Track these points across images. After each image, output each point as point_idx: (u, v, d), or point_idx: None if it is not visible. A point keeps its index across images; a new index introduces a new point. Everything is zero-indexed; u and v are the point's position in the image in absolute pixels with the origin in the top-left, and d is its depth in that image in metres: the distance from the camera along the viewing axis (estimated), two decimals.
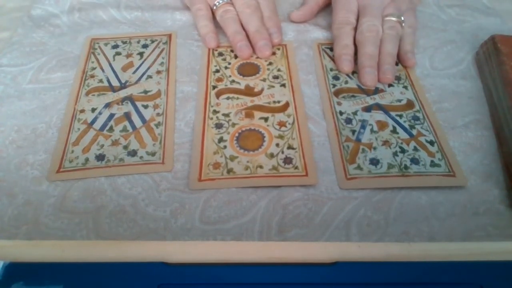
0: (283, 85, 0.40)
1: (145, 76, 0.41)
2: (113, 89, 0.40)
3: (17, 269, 0.29)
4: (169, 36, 0.46)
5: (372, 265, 0.29)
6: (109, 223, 0.31)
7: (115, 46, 0.44)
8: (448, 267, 0.29)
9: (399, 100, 0.39)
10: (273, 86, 0.40)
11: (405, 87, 0.40)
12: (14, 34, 0.46)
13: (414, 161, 0.34)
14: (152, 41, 0.45)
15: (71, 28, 0.46)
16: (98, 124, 0.37)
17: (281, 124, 0.37)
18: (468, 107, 0.39)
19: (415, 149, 0.35)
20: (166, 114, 0.38)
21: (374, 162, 0.34)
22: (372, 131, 0.36)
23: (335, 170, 0.34)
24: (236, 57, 0.43)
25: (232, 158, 0.34)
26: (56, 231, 0.30)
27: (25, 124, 0.37)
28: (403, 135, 0.36)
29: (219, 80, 0.41)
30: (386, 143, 0.36)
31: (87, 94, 0.39)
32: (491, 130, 0.37)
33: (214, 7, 0.44)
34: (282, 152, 0.35)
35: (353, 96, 0.40)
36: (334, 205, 0.32)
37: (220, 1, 0.44)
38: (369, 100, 0.39)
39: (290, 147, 0.35)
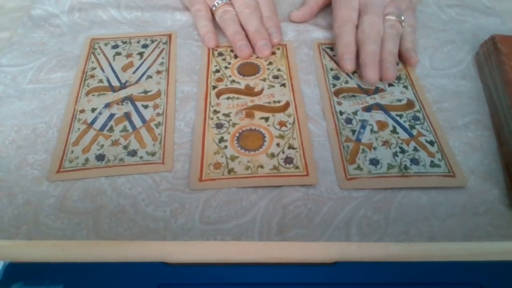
0: (283, 85, 0.40)
1: (145, 76, 0.41)
2: (113, 89, 0.40)
3: (17, 269, 0.29)
4: (169, 36, 0.46)
5: (372, 265, 0.29)
6: (109, 223, 0.31)
7: (115, 46, 0.44)
8: (448, 267, 0.29)
9: (399, 100, 0.39)
10: (273, 86, 0.40)
11: (405, 87, 0.40)
12: (14, 34, 0.46)
13: (414, 161, 0.34)
14: (152, 41, 0.45)
15: (71, 28, 0.46)
16: (98, 124, 0.37)
17: (282, 124, 0.37)
18: (468, 107, 0.39)
19: (415, 149, 0.35)
20: (166, 114, 0.38)
21: (374, 162, 0.34)
22: (372, 131, 0.36)
23: (335, 170, 0.34)
24: (236, 57, 0.43)
25: (233, 158, 0.34)
26: (56, 231, 0.30)
27: (25, 124, 0.37)
28: (403, 135, 0.36)
29: (219, 80, 0.41)
30: (386, 143, 0.36)
31: (87, 94, 0.39)
32: (491, 130, 0.37)
33: (214, 8, 0.44)
34: (283, 152, 0.35)
35: (353, 96, 0.40)
36: (334, 205, 0.32)
37: (220, 2, 0.44)
38: (369, 100, 0.39)
39: (290, 147, 0.35)
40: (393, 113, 0.38)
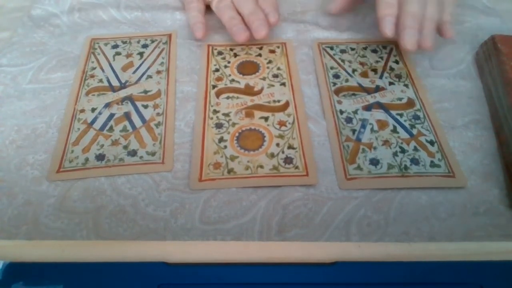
0: (283, 84, 0.40)
1: (145, 76, 0.41)
2: (113, 89, 0.40)
3: (17, 269, 0.29)
4: (169, 36, 0.46)
5: (372, 265, 0.29)
6: (109, 223, 0.31)
7: (115, 46, 0.44)
8: (448, 267, 0.29)
9: (400, 99, 0.39)
10: (273, 85, 0.40)
11: (406, 85, 0.40)
12: (14, 34, 0.46)
13: (414, 161, 0.34)
14: (152, 41, 0.45)
15: (71, 28, 0.46)
16: (98, 124, 0.37)
17: (281, 123, 0.37)
18: (468, 107, 0.39)
19: (415, 149, 0.35)
20: (166, 114, 0.38)
21: (374, 162, 0.34)
22: (372, 130, 0.36)
23: (335, 170, 0.34)
24: (235, 55, 0.43)
25: (233, 158, 0.34)
26: (56, 231, 0.30)
27: (25, 124, 0.37)
28: (403, 134, 0.36)
29: (219, 79, 0.41)
30: (386, 142, 0.35)
31: (87, 94, 0.39)
32: (491, 130, 0.37)
33: None
34: (283, 152, 0.35)
35: (353, 94, 0.40)
36: (334, 205, 0.32)
37: None
38: (370, 99, 0.39)
39: (290, 147, 0.35)
40: (394, 112, 0.38)
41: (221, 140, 0.36)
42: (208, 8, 0.46)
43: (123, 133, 0.36)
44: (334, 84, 0.41)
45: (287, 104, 0.39)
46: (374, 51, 0.44)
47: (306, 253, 0.30)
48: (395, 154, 0.35)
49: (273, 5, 0.43)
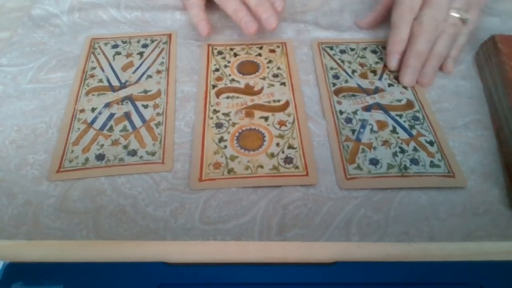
0: (283, 84, 0.40)
1: (145, 76, 0.41)
2: (113, 89, 0.40)
3: (17, 269, 0.29)
4: (169, 36, 0.46)
5: (372, 265, 0.29)
6: (109, 223, 0.31)
7: (115, 46, 0.44)
8: (448, 267, 0.29)
9: (399, 100, 0.39)
10: (273, 85, 0.40)
11: (405, 87, 0.40)
12: (14, 34, 0.46)
13: (414, 161, 0.34)
14: (152, 41, 0.45)
15: (71, 28, 0.46)
16: (98, 124, 0.37)
17: (281, 123, 0.37)
18: (468, 107, 0.39)
19: (415, 149, 0.35)
20: (166, 114, 0.38)
21: (374, 162, 0.34)
22: (372, 130, 0.36)
23: (335, 170, 0.34)
24: (235, 55, 0.43)
25: (233, 158, 0.34)
26: (56, 231, 0.30)
27: (25, 124, 0.37)
28: (403, 135, 0.36)
29: (219, 79, 0.41)
30: (386, 143, 0.36)
31: (87, 94, 0.39)
32: (491, 130, 0.37)
33: None
34: (283, 152, 0.35)
35: (353, 95, 0.40)
36: (334, 205, 0.32)
37: None
38: (369, 100, 0.39)
39: (290, 147, 0.35)
40: (393, 113, 0.38)
41: (221, 140, 0.36)
42: (207, 1, 0.45)
43: (123, 133, 0.36)
44: (334, 84, 0.41)
45: (287, 104, 0.39)
46: (374, 51, 0.44)
47: (306, 253, 0.30)
48: (394, 154, 0.35)
49: None
